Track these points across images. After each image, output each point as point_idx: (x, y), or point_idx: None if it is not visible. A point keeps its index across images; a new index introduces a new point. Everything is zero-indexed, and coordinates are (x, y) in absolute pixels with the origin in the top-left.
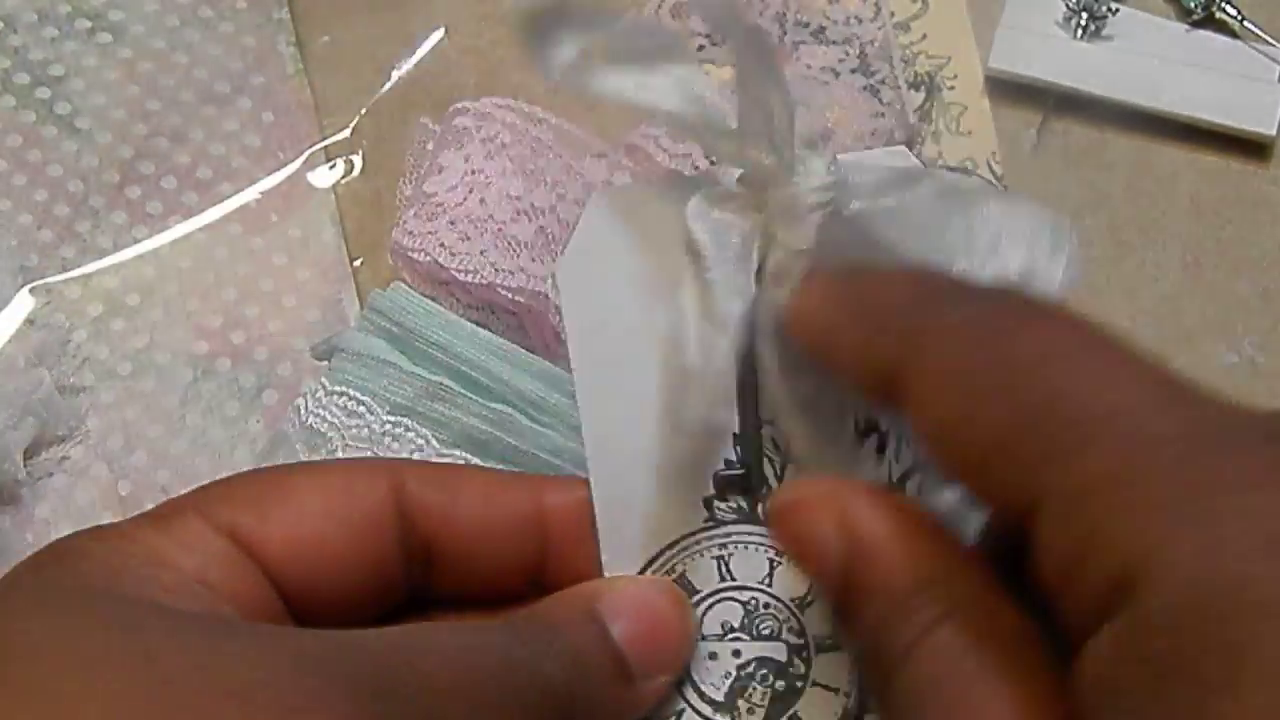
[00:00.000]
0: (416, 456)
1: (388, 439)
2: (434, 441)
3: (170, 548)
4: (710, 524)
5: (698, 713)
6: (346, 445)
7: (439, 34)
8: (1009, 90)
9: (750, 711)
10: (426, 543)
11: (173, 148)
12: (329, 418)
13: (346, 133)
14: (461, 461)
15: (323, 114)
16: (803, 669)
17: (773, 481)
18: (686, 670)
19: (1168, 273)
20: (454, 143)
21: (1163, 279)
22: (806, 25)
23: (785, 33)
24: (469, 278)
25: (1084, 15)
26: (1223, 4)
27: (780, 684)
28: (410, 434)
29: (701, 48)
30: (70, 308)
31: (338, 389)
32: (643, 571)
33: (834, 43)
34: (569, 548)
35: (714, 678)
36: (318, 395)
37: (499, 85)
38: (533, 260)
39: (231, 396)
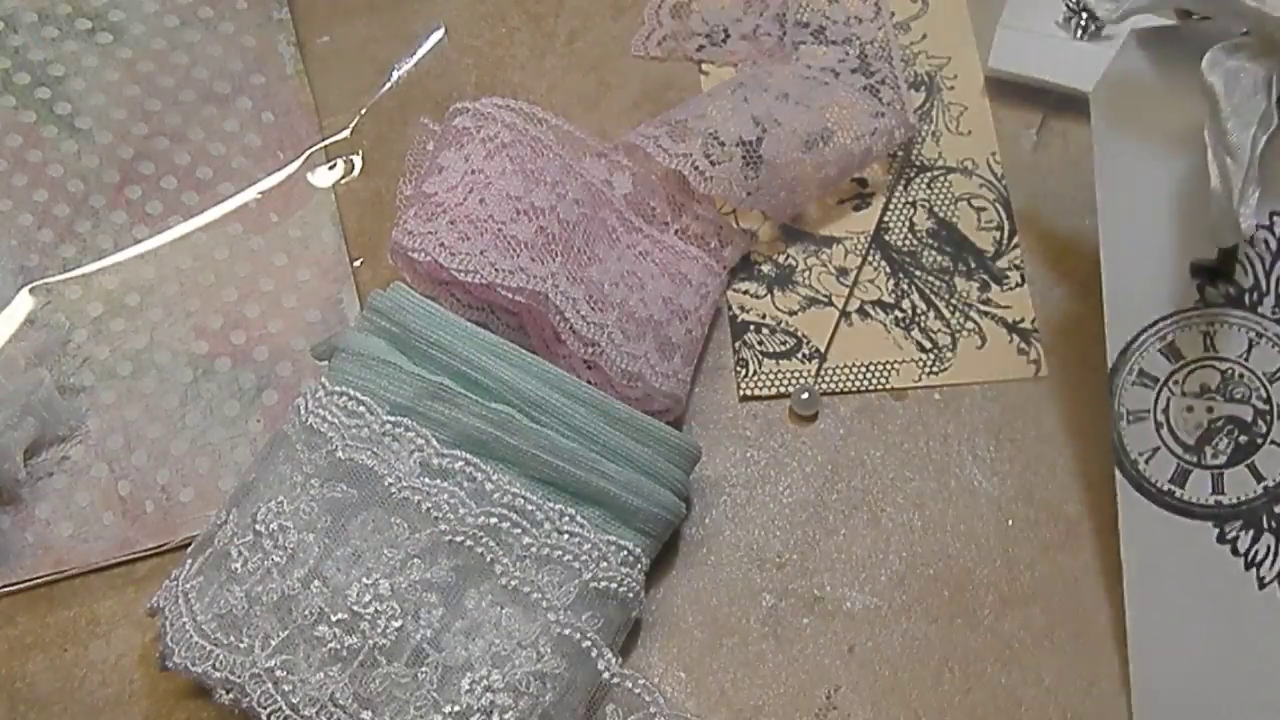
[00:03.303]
0: (416, 456)
1: (388, 439)
2: (434, 441)
3: None
4: (1200, 304)
5: (1171, 451)
6: (346, 445)
7: (439, 34)
8: (1009, 90)
9: (1214, 456)
10: None
11: (173, 148)
12: (329, 418)
13: (346, 133)
14: (461, 461)
15: (323, 114)
16: (1264, 429)
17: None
18: (1165, 416)
19: None
20: (454, 143)
21: None
22: (806, 25)
23: (785, 33)
24: (469, 278)
25: (1084, 15)
26: None
27: (1243, 438)
28: (410, 434)
29: (701, 47)
30: (70, 308)
31: (338, 389)
32: (1138, 335)
33: (834, 43)
34: None
35: (1188, 427)
36: (318, 395)
37: (499, 85)
38: (533, 260)
39: (231, 396)
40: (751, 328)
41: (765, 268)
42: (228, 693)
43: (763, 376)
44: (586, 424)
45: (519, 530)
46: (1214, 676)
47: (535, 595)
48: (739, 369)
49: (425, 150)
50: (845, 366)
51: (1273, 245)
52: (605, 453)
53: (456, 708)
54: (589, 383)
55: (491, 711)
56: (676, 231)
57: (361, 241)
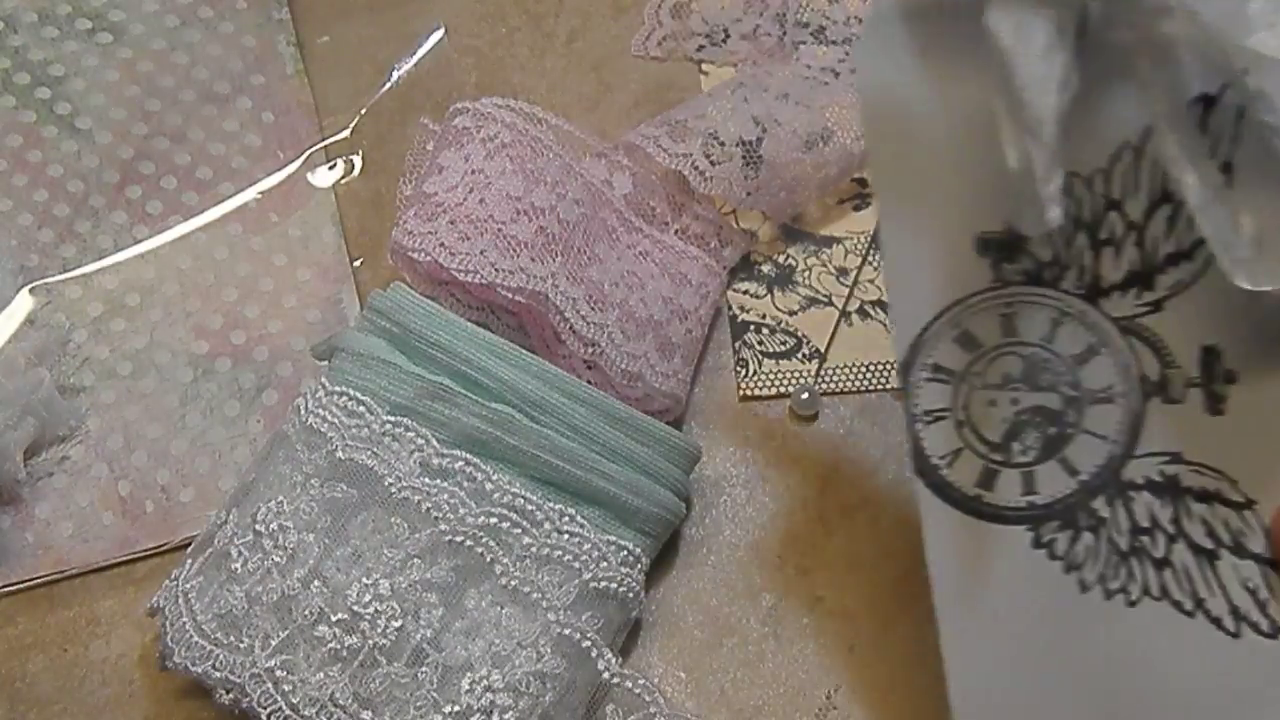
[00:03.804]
0: (416, 456)
1: (388, 439)
2: (434, 441)
3: None
4: (995, 284)
5: (974, 451)
6: (346, 445)
7: (439, 34)
8: None
9: (1023, 453)
10: None
11: (173, 148)
12: (329, 418)
13: (346, 133)
14: (461, 461)
15: (323, 114)
16: (1074, 418)
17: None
18: (966, 413)
19: None
20: (454, 143)
21: None
22: (806, 25)
23: (785, 33)
24: (469, 278)
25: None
26: None
27: (1052, 430)
28: (410, 434)
29: (701, 47)
30: (70, 308)
31: (338, 389)
32: (929, 325)
33: (834, 43)
34: None
35: (992, 422)
36: (318, 395)
37: (499, 85)
38: (533, 260)
39: (231, 396)
40: (751, 328)
41: (765, 268)
42: (228, 693)
43: (763, 376)
44: (586, 424)
45: (519, 530)
46: (1039, 691)
47: (535, 595)
48: (739, 369)
49: (425, 150)
50: (845, 366)
51: (1072, 215)
52: (605, 453)
53: (456, 708)
54: (589, 383)
55: (491, 711)
56: (676, 231)
57: (361, 241)
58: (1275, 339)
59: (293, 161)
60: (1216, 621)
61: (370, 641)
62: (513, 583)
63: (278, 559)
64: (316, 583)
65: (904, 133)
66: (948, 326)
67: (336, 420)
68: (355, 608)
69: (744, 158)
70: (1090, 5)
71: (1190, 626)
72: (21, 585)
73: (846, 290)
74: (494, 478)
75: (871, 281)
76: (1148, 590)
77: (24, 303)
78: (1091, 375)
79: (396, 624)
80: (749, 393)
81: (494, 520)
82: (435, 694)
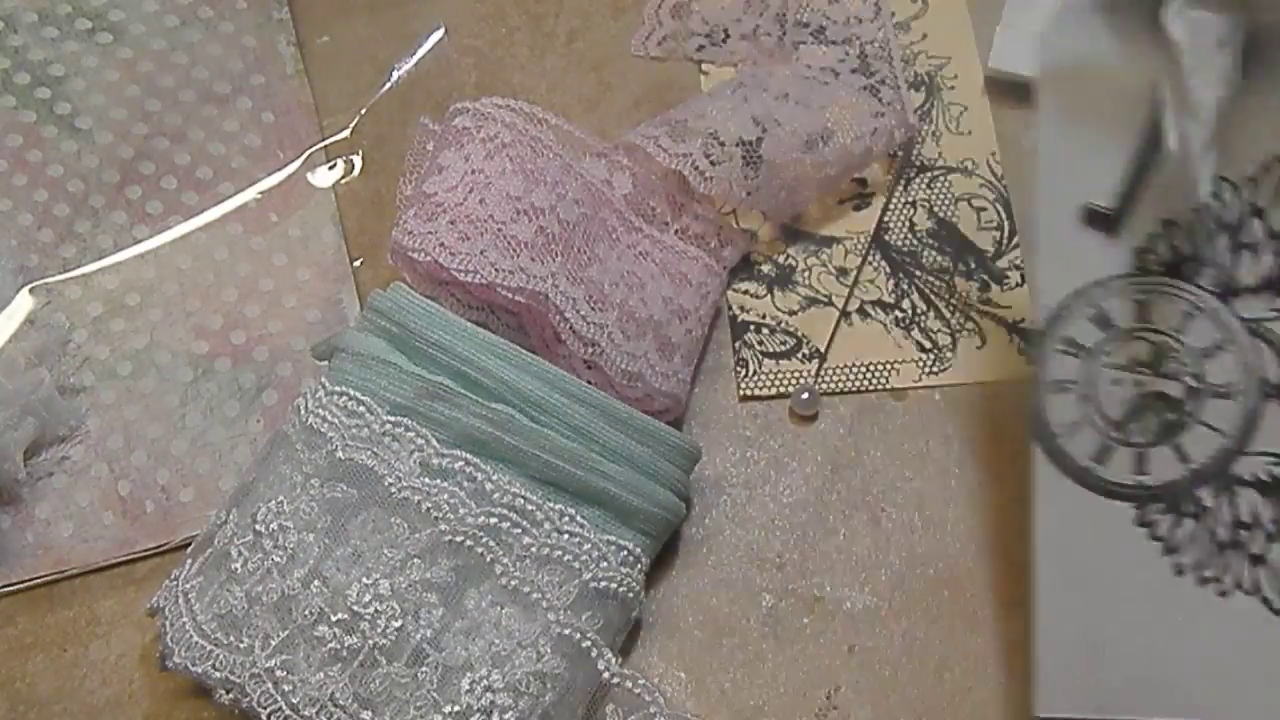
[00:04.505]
0: (416, 456)
1: (388, 439)
2: (434, 441)
3: None
4: (1137, 271)
5: (1093, 426)
6: (346, 445)
7: (439, 34)
8: (1009, 90)
9: (1140, 434)
10: None
11: (173, 148)
12: (329, 418)
13: (346, 133)
14: (461, 461)
15: (323, 114)
16: (1193, 408)
17: None
18: (1091, 389)
19: None
20: (454, 143)
21: None
22: (806, 25)
23: (785, 33)
24: (469, 278)
25: None
26: None
27: (1170, 416)
28: (410, 434)
29: (701, 47)
30: (70, 308)
31: (338, 389)
32: (1067, 302)
33: (834, 43)
34: None
35: (1114, 401)
36: (318, 395)
37: (499, 85)
38: (533, 260)
39: (231, 396)
40: (751, 328)
41: (765, 268)
42: (228, 693)
43: (763, 376)
44: (586, 424)
45: (519, 530)
46: (1121, 659)
47: (535, 595)
48: (739, 369)
49: (425, 150)
50: (845, 366)
51: (1216, 217)
52: (605, 453)
53: (456, 708)
54: (589, 383)
55: (491, 711)
56: (676, 231)
57: (361, 241)
58: None
59: (293, 161)
60: None
61: (370, 641)
62: (513, 583)
63: (278, 559)
64: (316, 583)
65: (1074, 109)
66: (1085, 304)
67: (336, 420)
68: (355, 608)
69: (744, 158)
70: (1258, 18)
71: (1278, 626)
72: (21, 585)
73: (846, 290)
74: (494, 478)
75: (871, 281)
76: (1240, 584)
77: (24, 303)
78: (1215, 370)
79: (396, 624)
80: (749, 393)
81: (494, 520)
82: (435, 694)
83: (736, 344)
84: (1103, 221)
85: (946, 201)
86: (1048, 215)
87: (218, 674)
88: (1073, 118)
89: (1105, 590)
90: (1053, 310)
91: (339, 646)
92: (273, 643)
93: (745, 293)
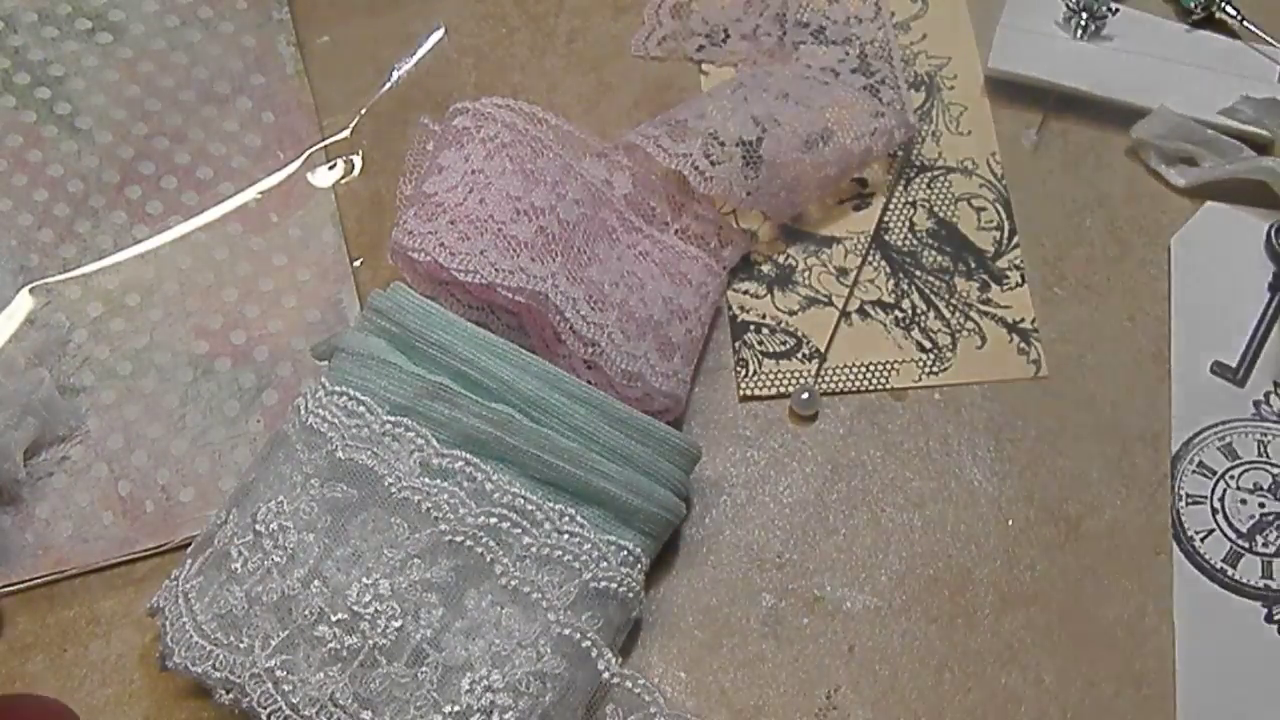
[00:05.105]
0: (416, 456)
1: (388, 439)
2: (434, 441)
3: None
4: (1256, 417)
5: (1224, 535)
6: (346, 445)
7: (439, 34)
8: (1009, 90)
9: (1264, 545)
10: None
11: (173, 148)
12: (329, 418)
13: (346, 133)
14: (461, 461)
15: (323, 114)
16: None
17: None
18: (1221, 505)
19: (1166, 271)
20: (454, 143)
21: (1161, 278)
22: (806, 25)
23: (785, 33)
24: (469, 278)
25: (1084, 15)
26: (1223, 4)
27: None
28: (410, 434)
29: (701, 47)
30: (70, 308)
31: (338, 389)
32: (1199, 433)
33: (834, 43)
34: None
35: (1241, 517)
36: (318, 395)
37: (499, 85)
38: (533, 260)
39: (231, 396)
40: (751, 328)
41: (765, 268)
42: (228, 693)
43: (763, 376)
44: (586, 424)
45: (519, 530)
46: None
47: (535, 595)
48: (739, 369)
49: (425, 150)
50: (845, 366)
51: None
52: (605, 453)
53: (456, 708)
54: (589, 383)
55: (491, 711)
56: (676, 231)
57: (361, 241)
58: None
59: (293, 161)
60: None
61: (370, 641)
62: (513, 583)
63: (278, 559)
64: (316, 583)
65: (1208, 291)
66: (1215, 437)
67: (336, 420)
68: (355, 608)
69: (744, 158)
70: None
71: None
72: (21, 585)
73: (846, 290)
74: (494, 478)
75: (871, 281)
76: None
77: (24, 303)
78: None
79: (396, 624)
80: (749, 393)
81: (494, 520)
82: (435, 694)
83: (736, 344)
84: (1230, 374)
85: (946, 201)
86: (1183, 363)
87: (218, 674)
88: (1206, 288)
89: (1239, 675)
90: (1188, 438)
91: (339, 646)
92: (273, 643)
93: (745, 293)
